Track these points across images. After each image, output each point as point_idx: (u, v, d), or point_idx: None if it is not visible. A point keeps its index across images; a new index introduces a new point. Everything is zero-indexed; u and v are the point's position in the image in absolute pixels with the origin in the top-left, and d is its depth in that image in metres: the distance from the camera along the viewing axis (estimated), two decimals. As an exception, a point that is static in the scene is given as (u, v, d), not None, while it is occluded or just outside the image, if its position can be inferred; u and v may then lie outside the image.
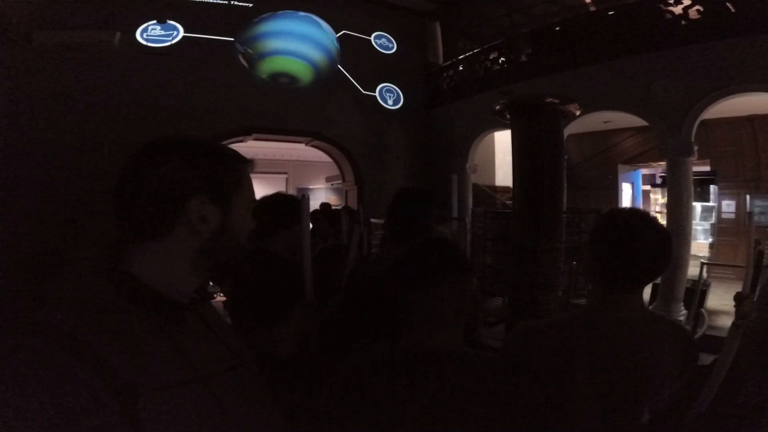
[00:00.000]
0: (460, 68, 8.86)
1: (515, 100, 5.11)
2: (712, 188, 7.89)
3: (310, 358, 1.29)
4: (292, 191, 11.81)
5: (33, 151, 5.71)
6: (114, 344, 0.61)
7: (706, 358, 1.63)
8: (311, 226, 4.29)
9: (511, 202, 8.19)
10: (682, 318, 5.55)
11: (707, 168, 7.98)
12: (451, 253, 1.08)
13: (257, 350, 1.10)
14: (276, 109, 7.69)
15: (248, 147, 8.78)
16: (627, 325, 1.12)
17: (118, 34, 6.38)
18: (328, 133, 8.33)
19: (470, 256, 5.55)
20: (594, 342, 1.11)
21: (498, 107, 4.96)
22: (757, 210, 7.38)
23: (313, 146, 8.93)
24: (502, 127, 7.39)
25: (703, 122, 6.00)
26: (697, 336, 4.53)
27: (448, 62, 9.27)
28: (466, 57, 8.72)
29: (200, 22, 7.11)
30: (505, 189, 9.13)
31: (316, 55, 7.56)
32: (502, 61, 8.03)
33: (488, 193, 8.91)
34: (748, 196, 7.80)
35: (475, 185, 8.73)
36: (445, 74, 9.24)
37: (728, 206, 8.12)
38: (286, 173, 11.97)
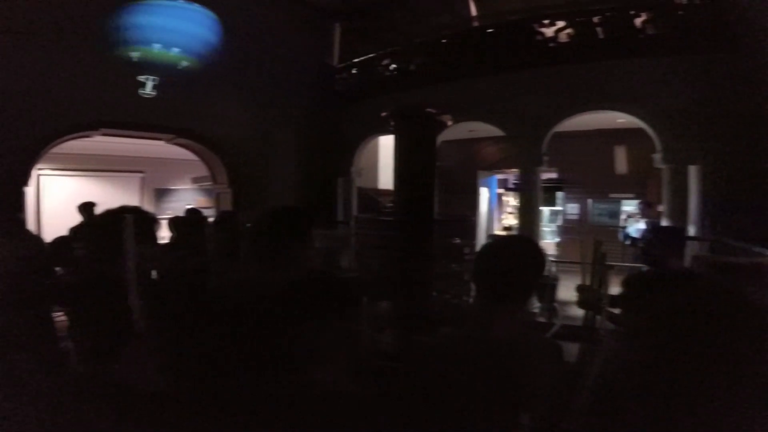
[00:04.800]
0: (354, 71, 8.77)
1: (399, 108, 5.22)
2: (559, 194, 9.05)
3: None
4: (148, 193, 10.60)
5: None
6: None
7: (571, 346, 1.99)
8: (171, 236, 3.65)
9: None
10: (536, 311, 6.23)
11: (555, 175, 9.16)
12: (330, 292, 1.11)
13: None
14: (135, 100, 6.37)
15: (95, 143, 7.48)
16: (500, 345, 1.22)
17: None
18: (201, 129, 7.30)
19: (355, 259, 5.56)
20: (468, 360, 1.22)
21: (384, 114, 5.04)
22: (596, 212, 8.77)
23: (175, 144, 7.72)
24: (388, 132, 7.51)
25: (557, 134, 6.79)
26: (554, 329, 5.10)
27: (343, 64, 9.08)
28: (360, 61, 8.64)
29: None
30: (388, 192, 9.28)
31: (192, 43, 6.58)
32: (394, 68, 8.15)
33: (372, 196, 9.01)
34: (590, 200, 9.26)
35: (359, 188, 8.78)
36: (338, 76, 9.03)
37: (573, 209, 9.59)
38: (141, 172, 10.55)
